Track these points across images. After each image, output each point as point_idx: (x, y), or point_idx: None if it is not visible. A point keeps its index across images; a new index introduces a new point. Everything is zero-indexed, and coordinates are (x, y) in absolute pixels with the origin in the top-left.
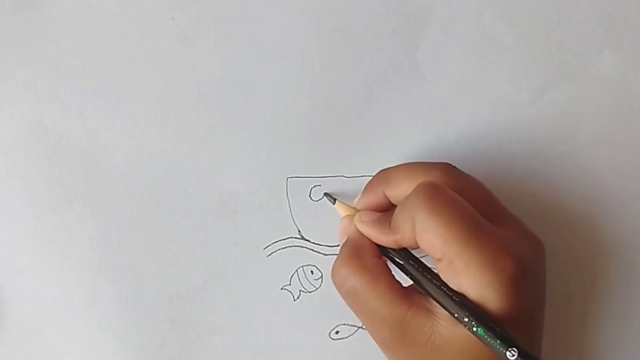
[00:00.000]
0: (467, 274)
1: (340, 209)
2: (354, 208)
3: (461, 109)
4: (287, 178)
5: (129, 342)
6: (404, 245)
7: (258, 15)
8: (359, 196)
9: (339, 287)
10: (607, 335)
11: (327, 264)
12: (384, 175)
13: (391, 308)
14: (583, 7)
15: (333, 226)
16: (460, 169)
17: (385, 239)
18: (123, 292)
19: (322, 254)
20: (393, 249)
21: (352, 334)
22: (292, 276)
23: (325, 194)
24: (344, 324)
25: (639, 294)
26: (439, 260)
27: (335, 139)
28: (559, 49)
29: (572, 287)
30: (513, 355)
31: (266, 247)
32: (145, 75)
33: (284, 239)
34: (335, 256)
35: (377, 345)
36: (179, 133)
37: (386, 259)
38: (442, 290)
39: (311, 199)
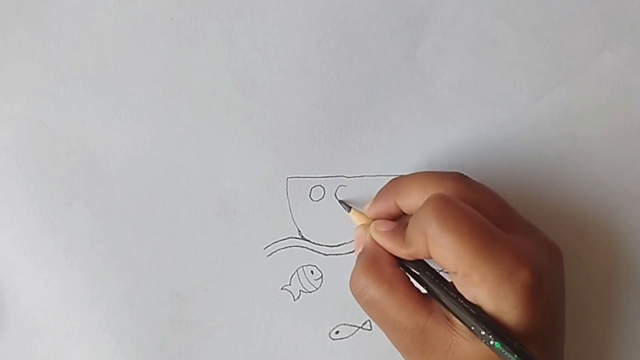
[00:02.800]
0: (483, 286)
1: (355, 218)
2: (368, 217)
3: (461, 108)
4: (287, 178)
5: (129, 342)
6: (420, 258)
7: (258, 15)
8: (369, 203)
9: (358, 297)
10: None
11: (327, 264)
12: (395, 185)
13: (411, 316)
14: (583, 7)
15: (333, 226)
16: (460, 170)
17: (401, 252)
18: (123, 292)
19: (322, 254)
20: (409, 261)
21: (352, 334)
22: (292, 276)
23: (340, 202)
24: (344, 324)
25: (636, 292)
26: (454, 273)
27: (335, 139)
28: (559, 49)
29: (571, 287)
30: None
31: (266, 247)
32: (145, 75)
33: (284, 239)
34: (336, 256)
35: (376, 346)
36: (179, 133)
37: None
38: (459, 302)
39: (311, 199)
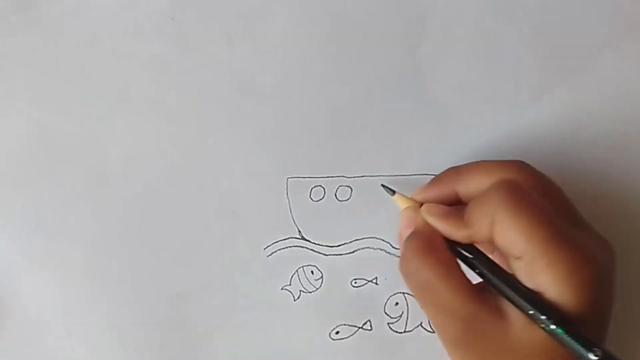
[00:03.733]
0: (549, 273)
1: (400, 201)
2: (414, 200)
3: (461, 108)
4: (287, 178)
5: (129, 342)
6: (475, 241)
7: (258, 15)
8: (419, 188)
9: (409, 278)
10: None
11: (327, 264)
12: (455, 171)
13: (466, 304)
14: (583, 8)
15: (333, 226)
16: None
17: (458, 233)
18: (123, 292)
19: (322, 254)
20: (462, 245)
21: (352, 334)
22: (292, 276)
23: (383, 185)
24: (344, 324)
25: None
26: (518, 258)
27: (335, 139)
28: (559, 49)
29: None
30: (598, 357)
31: (266, 247)
32: (145, 75)
33: (284, 239)
34: (336, 256)
35: (376, 346)
36: (179, 133)
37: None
38: (517, 287)
39: (311, 199)
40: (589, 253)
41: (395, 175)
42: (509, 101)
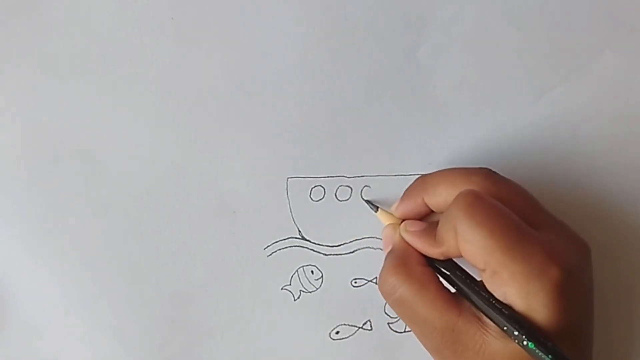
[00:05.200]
0: (513, 284)
1: (382, 218)
2: (395, 216)
3: (461, 109)
4: (287, 178)
5: (129, 342)
6: (451, 257)
7: (258, 15)
8: (396, 202)
9: (387, 296)
10: None
11: (327, 264)
12: (422, 182)
13: (442, 316)
14: (583, 7)
15: (333, 226)
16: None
17: (432, 251)
18: (123, 292)
19: (322, 254)
20: (439, 260)
21: (352, 334)
22: (292, 276)
23: (367, 201)
24: (344, 324)
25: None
26: (483, 270)
27: (335, 139)
28: (559, 49)
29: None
30: None
31: (266, 247)
32: (145, 75)
33: (284, 239)
34: (336, 256)
35: (376, 346)
36: (179, 133)
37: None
38: (491, 302)
39: (311, 199)
40: (553, 255)
41: (395, 175)
42: (509, 101)
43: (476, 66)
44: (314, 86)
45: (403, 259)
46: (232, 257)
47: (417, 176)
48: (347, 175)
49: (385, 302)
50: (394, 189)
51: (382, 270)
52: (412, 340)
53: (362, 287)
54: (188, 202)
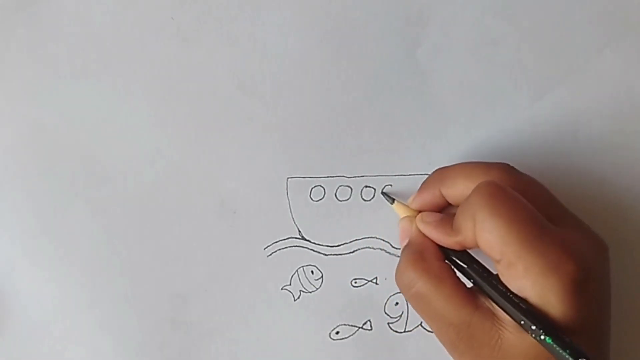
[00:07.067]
0: (528, 278)
1: (399, 210)
2: (412, 209)
3: (461, 108)
4: (287, 178)
5: (129, 342)
6: (467, 247)
7: (258, 15)
8: (413, 195)
9: (404, 291)
10: None
11: (327, 264)
12: (440, 174)
13: (458, 311)
14: (583, 7)
15: (333, 226)
16: None
17: (449, 241)
18: (123, 292)
19: (322, 254)
20: (456, 252)
21: (352, 334)
22: (292, 276)
23: (383, 194)
24: (344, 324)
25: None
26: (498, 261)
27: (335, 139)
28: (559, 49)
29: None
30: None
31: (266, 247)
32: (145, 75)
33: (284, 239)
34: (336, 256)
35: (376, 346)
36: (179, 133)
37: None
38: (508, 296)
39: (311, 199)
40: (570, 251)
41: (395, 175)
42: (509, 101)
43: (476, 66)
44: (314, 86)
45: (421, 254)
46: (232, 257)
47: (418, 176)
48: (347, 175)
49: (385, 302)
50: (394, 188)
51: (399, 264)
52: (412, 340)
53: (362, 287)
54: (188, 202)
